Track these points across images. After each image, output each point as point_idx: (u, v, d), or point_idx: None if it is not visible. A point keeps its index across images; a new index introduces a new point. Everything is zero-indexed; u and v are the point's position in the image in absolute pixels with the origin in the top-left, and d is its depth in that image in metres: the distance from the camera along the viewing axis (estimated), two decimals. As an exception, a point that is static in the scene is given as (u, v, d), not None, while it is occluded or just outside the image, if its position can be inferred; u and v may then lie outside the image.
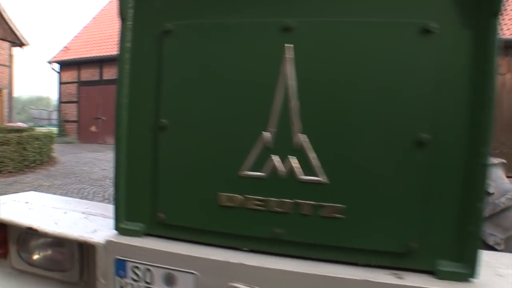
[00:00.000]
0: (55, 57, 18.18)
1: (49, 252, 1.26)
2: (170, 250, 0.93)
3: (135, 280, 0.94)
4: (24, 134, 9.13)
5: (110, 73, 16.58)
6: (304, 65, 0.86)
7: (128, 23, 0.97)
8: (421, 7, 0.82)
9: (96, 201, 6.61)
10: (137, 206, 1.00)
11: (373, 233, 0.85)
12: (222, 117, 0.92)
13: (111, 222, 1.14)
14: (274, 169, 0.89)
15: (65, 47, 18.32)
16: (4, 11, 16.24)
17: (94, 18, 19.72)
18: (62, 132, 17.49)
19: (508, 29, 10.94)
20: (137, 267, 0.95)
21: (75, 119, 17.74)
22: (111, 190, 7.46)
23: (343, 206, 0.86)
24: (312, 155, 0.87)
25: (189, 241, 0.96)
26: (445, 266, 0.82)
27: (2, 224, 1.24)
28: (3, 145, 8.12)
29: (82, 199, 6.52)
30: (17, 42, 17.16)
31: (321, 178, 0.87)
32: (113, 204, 1.00)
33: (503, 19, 0.80)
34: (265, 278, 0.86)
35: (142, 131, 0.98)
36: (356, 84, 0.85)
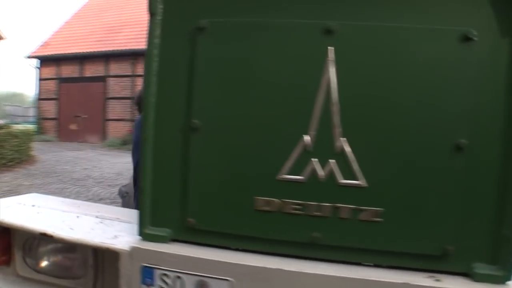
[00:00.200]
0: (34, 52, 17.35)
1: (58, 258, 1.17)
2: (203, 256, 0.87)
3: (163, 288, 0.88)
4: (1, 131, 8.67)
5: (91, 70, 16.03)
6: (345, 68, 0.83)
7: (157, 18, 0.91)
8: (461, 14, 0.81)
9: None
10: (163, 210, 0.94)
11: (411, 236, 0.84)
12: (259, 119, 0.87)
13: (129, 227, 1.07)
14: (314, 172, 0.85)
15: (45, 42, 17.54)
16: (-22, 3, 15.36)
17: (75, 13, 18.99)
18: (40, 130, 16.75)
19: None
20: (166, 274, 0.89)
21: (54, 116, 17.00)
22: (94, 190, 7.21)
23: (381, 209, 0.84)
24: (352, 159, 0.84)
25: (221, 246, 0.91)
26: (481, 268, 0.81)
27: (5, 229, 1.14)
28: (-21, 142, 7.69)
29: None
30: (-7, 36, 16.30)
31: (360, 181, 0.84)
32: (136, 209, 0.94)
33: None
34: (304, 284, 0.82)
35: (170, 132, 0.92)
36: (396, 89, 0.83)
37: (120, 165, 10.76)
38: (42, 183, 7.12)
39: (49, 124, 16.99)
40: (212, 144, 0.89)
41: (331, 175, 0.85)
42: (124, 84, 16.02)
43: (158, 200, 0.94)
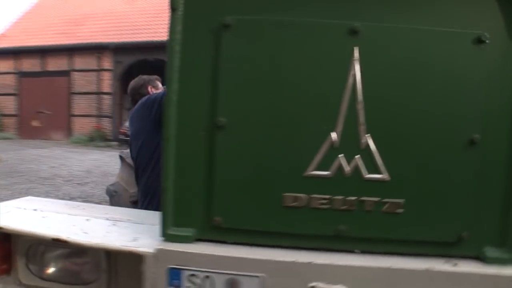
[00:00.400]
0: (-12, 44, 15.94)
1: (67, 263, 1.09)
2: (233, 255, 0.86)
3: (192, 289, 0.86)
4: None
5: (54, 64, 14.99)
6: (368, 68, 0.85)
7: (178, 13, 0.86)
8: (474, 18, 0.85)
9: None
10: (187, 210, 0.90)
11: (429, 225, 0.88)
12: (286, 117, 0.86)
13: (146, 229, 1.02)
14: (340, 168, 0.86)
15: (1, 34, 16.11)
16: None
17: (35, 3, 17.60)
18: (-2, 127, 15.47)
19: None
20: (194, 275, 0.86)
21: (14, 113, 15.75)
22: (65, 189, 6.81)
23: (403, 201, 0.87)
24: (376, 154, 0.86)
25: (248, 243, 0.89)
26: (491, 252, 0.87)
27: (5, 235, 1.05)
28: None
29: (33, 199, 5.85)
30: None
31: (383, 175, 0.86)
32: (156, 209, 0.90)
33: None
34: (334, 275, 0.84)
35: (193, 130, 0.89)
36: (415, 87, 0.86)
37: (88, 162, 10.24)
38: (7, 184, 6.59)
39: (9, 121, 15.70)
40: (238, 142, 0.87)
41: (356, 170, 0.86)
42: (89, 79, 15.17)
43: (181, 200, 0.90)
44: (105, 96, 15.24)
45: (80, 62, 15.06)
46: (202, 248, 0.87)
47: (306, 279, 0.83)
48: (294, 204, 0.87)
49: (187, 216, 0.90)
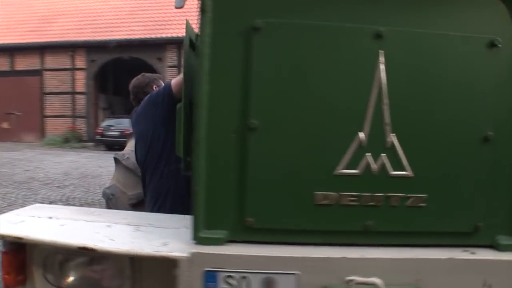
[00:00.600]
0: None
1: (87, 271, 1.05)
2: (267, 254, 0.86)
3: (228, 290, 0.85)
4: None
5: (24, 63, 14.13)
6: (392, 70, 0.87)
7: (208, 15, 0.84)
8: (488, 24, 0.90)
9: (29, 206, 5.65)
10: (219, 213, 0.89)
11: (448, 217, 0.92)
12: (316, 118, 0.87)
13: (171, 233, 1.00)
14: (368, 166, 0.89)
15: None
16: None
17: (2, 0, 16.46)
18: (-38, 130, 14.41)
19: None
20: (230, 276, 0.86)
21: (-20, 114, 14.75)
22: (43, 193, 6.47)
23: (425, 195, 0.91)
24: (401, 152, 0.89)
25: (280, 242, 0.90)
26: (504, 240, 0.93)
27: (19, 245, 0.99)
28: None
29: (10, 205, 5.51)
30: None
31: (408, 172, 0.90)
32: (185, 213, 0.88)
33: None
34: (365, 268, 0.86)
35: (224, 133, 0.88)
36: (434, 87, 0.90)
37: (65, 164, 9.79)
38: (-21, 189, 6.19)
39: (-26, 123, 14.71)
40: (270, 143, 0.87)
41: (383, 168, 0.89)
42: (62, 78, 14.44)
43: (213, 203, 0.89)
44: (79, 96, 14.59)
45: (52, 61, 14.29)
46: (237, 249, 0.87)
47: (340, 274, 0.85)
48: (324, 202, 0.89)
49: (219, 218, 0.89)
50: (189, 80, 1.42)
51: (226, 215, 0.90)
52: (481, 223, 0.92)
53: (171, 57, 13.88)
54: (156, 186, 1.70)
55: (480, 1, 0.88)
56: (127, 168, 2.16)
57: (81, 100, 14.59)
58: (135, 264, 0.99)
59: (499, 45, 0.88)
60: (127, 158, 2.17)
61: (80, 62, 14.40)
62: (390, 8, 0.88)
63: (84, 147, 13.67)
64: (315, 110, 0.88)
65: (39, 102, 14.52)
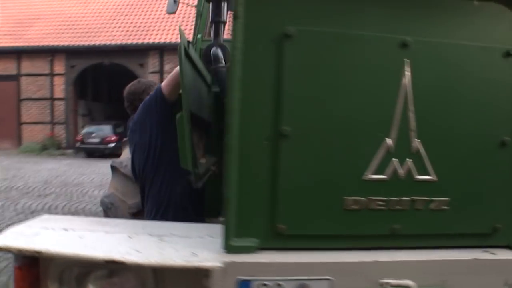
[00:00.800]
0: None
1: (106, 284, 0.99)
2: (301, 261, 0.85)
3: (262, 298, 0.83)
4: None
5: (0, 67, 13.47)
6: (417, 78, 0.89)
7: (240, 21, 0.83)
8: (504, 35, 0.94)
9: (9, 216, 5.33)
10: (250, 220, 0.87)
11: (469, 219, 0.95)
12: (345, 124, 0.88)
13: (197, 242, 0.97)
14: (395, 171, 0.90)
15: None
16: None
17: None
18: None
19: None
20: (265, 284, 0.84)
21: (-50, 121, 13.85)
22: (23, 202, 6.13)
23: (448, 199, 0.93)
24: (425, 157, 0.91)
25: (311, 248, 0.89)
26: (521, 240, 0.97)
27: (33, 260, 0.93)
28: None
29: (-12, 215, 5.19)
30: None
31: (432, 176, 0.92)
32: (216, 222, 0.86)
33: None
34: (395, 271, 0.87)
35: (256, 139, 0.86)
36: (456, 95, 0.92)
37: (45, 172, 9.35)
38: (-47, 201, 5.79)
39: None
40: (301, 150, 0.87)
41: (409, 173, 0.91)
42: (40, 84, 13.83)
43: (244, 211, 0.87)
44: (58, 102, 14.02)
45: (29, 66, 13.67)
46: (270, 257, 0.85)
47: (372, 278, 0.86)
48: (354, 207, 0.89)
49: (250, 226, 0.88)
50: (189, 89, 1.39)
51: (257, 223, 0.88)
52: (499, 224, 0.95)
53: (153, 63, 13.64)
54: (158, 195, 1.64)
55: (497, 14, 0.92)
56: (125, 176, 2.09)
57: (60, 106, 14.03)
58: (158, 275, 0.95)
59: None
60: (125, 166, 2.10)
61: (59, 67, 13.86)
62: (415, 19, 0.90)
63: (63, 154, 13.13)
64: (344, 116, 0.88)
65: (15, 108, 13.82)
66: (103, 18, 14.57)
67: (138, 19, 14.46)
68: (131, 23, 14.23)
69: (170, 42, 13.14)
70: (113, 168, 2.21)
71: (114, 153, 12.70)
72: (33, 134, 13.77)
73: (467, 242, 0.95)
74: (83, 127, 13.91)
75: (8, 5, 14.54)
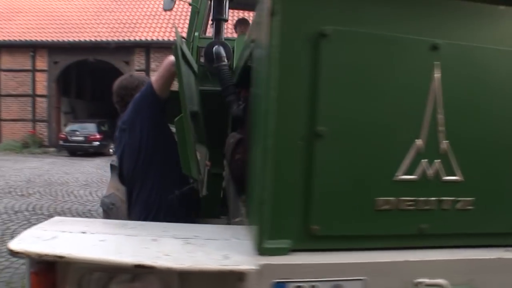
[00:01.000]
0: None
1: (129, 290, 0.95)
2: (335, 261, 0.83)
3: (297, 300, 0.81)
4: None
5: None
6: (446, 80, 0.90)
7: (277, 19, 0.81)
8: None
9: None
10: (283, 222, 0.85)
11: (493, 218, 0.96)
12: (378, 125, 0.87)
13: (225, 244, 0.94)
14: (424, 172, 0.90)
15: None
16: None
17: None
18: None
19: None
20: (300, 286, 0.82)
21: None
22: (5, 202, 5.84)
23: (474, 199, 0.94)
24: (453, 158, 0.92)
25: (343, 249, 0.88)
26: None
27: (49, 264, 0.87)
28: None
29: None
30: None
31: (458, 177, 0.93)
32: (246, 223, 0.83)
33: None
34: (425, 270, 0.87)
35: (291, 140, 0.84)
36: (483, 98, 0.93)
37: (27, 171, 8.96)
38: None
39: None
40: (336, 150, 0.85)
41: (437, 173, 0.91)
42: (21, 80, 13.23)
43: (277, 212, 0.85)
44: (40, 99, 13.46)
45: (10, 61, 13.04)
46: (304, 259, 0.83)
47: (404, 277, 0.85)
48: (385, 207, 0.88)
49: (283, 227, 0.85)
50: (188, 91, 1.34)
51: (290, 224, 0.86)
52: None
53: (138, 60, 13.32)
54: (148, 199, 1.53)
55: None
56: (126, 175, 2.01)
57: (42, 104, 13.47)
58: (183, 279, 0.91)
59: None
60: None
61: (42, 63, 13.30)
62: (445, 22, 0.90)
63: (45, 152, 12.63)
64: (377, 117, 0.87)
65: (-6, 104, 13.21)
66: (88, 13, 14.10)
67: (124, 15, 14.08)
68: (117, 19, 13.84)
69: (156, 39, 12.88)
70: (112, 167, 2.13)
71: (99, 152, 12.39)
72: (13, 131, 13.16)
73: (490, 241, 0.96)
74: (65, 125, 13.42)
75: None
